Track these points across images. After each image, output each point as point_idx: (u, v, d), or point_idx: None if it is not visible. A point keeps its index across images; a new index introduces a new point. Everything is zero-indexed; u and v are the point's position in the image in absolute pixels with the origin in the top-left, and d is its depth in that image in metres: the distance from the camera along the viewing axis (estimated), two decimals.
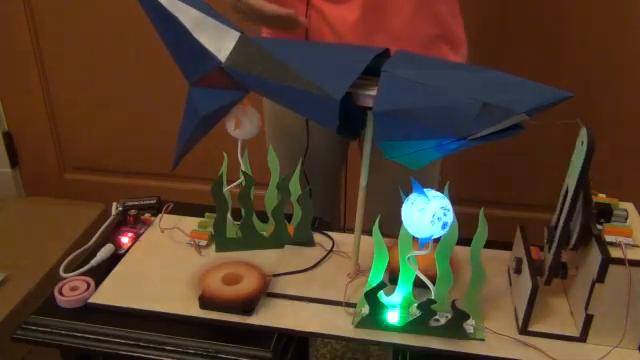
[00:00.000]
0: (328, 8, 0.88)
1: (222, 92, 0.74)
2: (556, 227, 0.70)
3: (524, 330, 0.70)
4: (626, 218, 0.69)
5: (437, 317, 0.70)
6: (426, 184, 0.64)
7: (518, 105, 0.58)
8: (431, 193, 0.63)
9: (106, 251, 0.83)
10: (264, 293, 0.76)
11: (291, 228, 0.86)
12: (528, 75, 0.63)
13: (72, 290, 0.76)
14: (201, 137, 0.78)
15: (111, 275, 0.80)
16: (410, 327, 0.70)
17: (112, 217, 0.90)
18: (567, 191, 0.68)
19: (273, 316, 0.73)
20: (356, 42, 0.88)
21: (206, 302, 0.73)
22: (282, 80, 0.68)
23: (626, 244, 0.65)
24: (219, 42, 0.72)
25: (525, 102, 0.59)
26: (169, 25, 0.71)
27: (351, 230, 0.80)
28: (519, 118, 0.59)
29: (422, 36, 0.92)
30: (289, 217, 0.86)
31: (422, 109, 0.61)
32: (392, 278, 0.75)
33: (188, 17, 0.71)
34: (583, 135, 0.65)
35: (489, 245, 0.72)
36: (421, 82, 0.62)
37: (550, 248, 0.70)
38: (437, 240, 0.67)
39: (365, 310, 0.71)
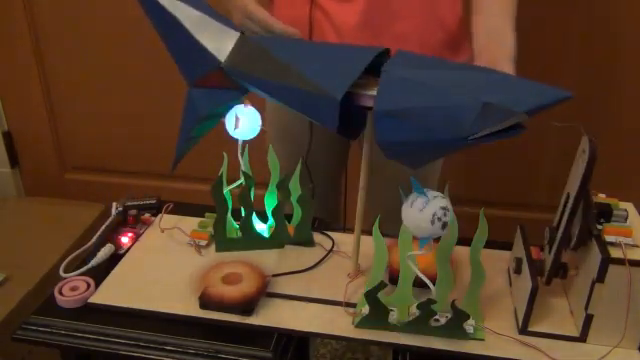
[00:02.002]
0: (332, 7, 0.89)
1: (221, 92, 0.75)
2: (557, 229, 0.70)
3: (524, 330, 0.70)
4: (626, 218, 0.69)
5: (437, 317, 0.70)
6: (426, 184, 0.64)
7: (518, 105, 0.57)
8: (431, 193, 0.63)
9: (106, 251, 0.83)
10: (264, 293, 0.76)
11: (291, 228, 0.86)
12: (529, 75, 0.63)
13: (72, 290, 0.76)
14: (200, 138, 0.78)
15: (111, 275, 0.80)
16: (410, 327, 0.70)
17: (112, 217, 0.90)
18: (568, 198, 0.68)
19: (273, 316, 0.73)
20: (358, 42, 0.88)
21: (206, 302, 0.73)
22: (282, 80, 0.67)
23: (626, 244, 0.65)
24: (219, 42, 0.72)
25: (525, 102, 0.58)
26: (170, 26, 0.72)
27: (351, 230, 0.80)
28: (519, 118, 0.59)
29: (427, 40, 0.91)
30: (289, 217, 0.87)
31: (422, 109, 0.60)
32: (392, 278, 0.75)
33: (188, 17, 0.71)
34: (584, 143, 0.64)
35: (489, 245, 0.72)
36: (422, 82, 0.61)
37: (551, 249, 0.70)
38: (437, 240, 0.67)
39: (365, 310, 0.71)
